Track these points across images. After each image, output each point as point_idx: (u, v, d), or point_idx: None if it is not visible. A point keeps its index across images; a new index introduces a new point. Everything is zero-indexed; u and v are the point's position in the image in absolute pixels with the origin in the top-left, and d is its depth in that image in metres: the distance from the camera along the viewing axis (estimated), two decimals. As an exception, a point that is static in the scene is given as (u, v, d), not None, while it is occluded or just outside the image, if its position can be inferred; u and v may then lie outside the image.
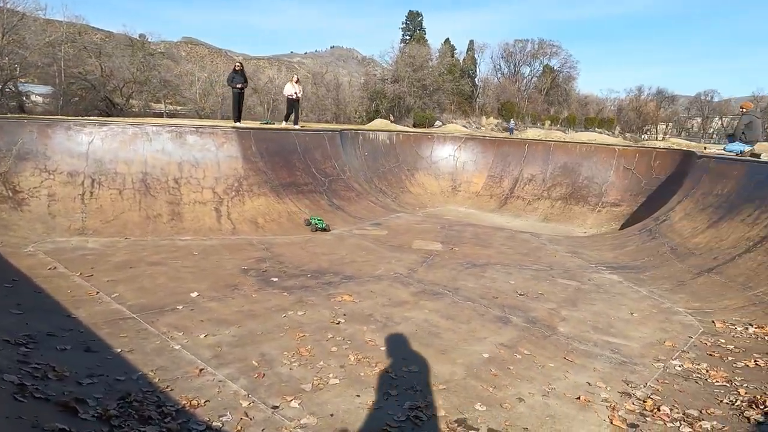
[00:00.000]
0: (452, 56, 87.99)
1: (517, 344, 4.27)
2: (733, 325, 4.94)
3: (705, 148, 11.56)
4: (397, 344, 4.10)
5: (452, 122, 60.74)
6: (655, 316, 5.22)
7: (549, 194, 15.28)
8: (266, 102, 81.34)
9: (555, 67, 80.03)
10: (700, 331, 4.82)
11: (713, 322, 5.05)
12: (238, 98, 12.26)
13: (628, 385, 3.66)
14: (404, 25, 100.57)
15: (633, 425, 3.13)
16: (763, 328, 4.79)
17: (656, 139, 78.40)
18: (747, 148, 9.78)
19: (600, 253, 8.00)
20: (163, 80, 56.67)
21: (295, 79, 12.47)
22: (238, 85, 12.05)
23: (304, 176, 10.11)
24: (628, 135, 72.11)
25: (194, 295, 4.93)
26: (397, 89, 72.99)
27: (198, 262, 6.07)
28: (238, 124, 12.10)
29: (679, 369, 3.96)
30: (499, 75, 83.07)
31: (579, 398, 3.42)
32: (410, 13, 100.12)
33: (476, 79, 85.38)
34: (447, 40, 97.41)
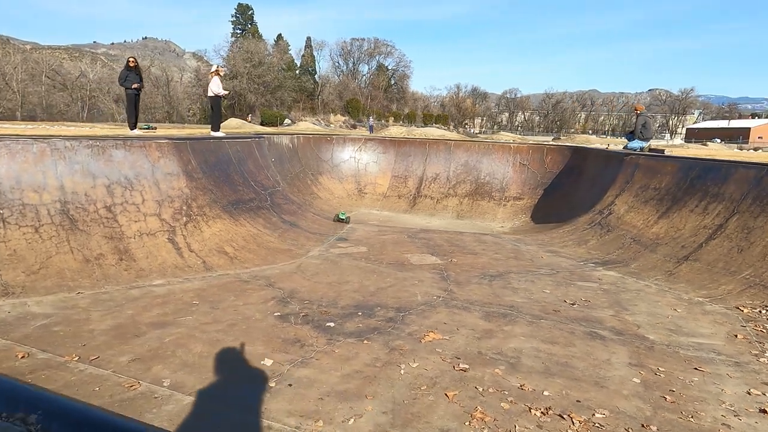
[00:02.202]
0: (286, 52, 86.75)
1: (642, 361, 4.19)
2: (755, 308, 5.57)
3: (608, 145, 13.01)
4: (551, 385, 3.70)
5: (302, 120, 59.88)
6: (692, 308, 5.63)
7: (455, 192, 15.85)
8: (79, 99, 70.40)
9: (390, 66, 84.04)
10: (741, 318, 5.32)
11: (738, 308, 5.63)
12: (134, 101, 10.18)
13: (773, 387, 3.82)
14: (234, 19, 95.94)
15: (835, 430, 3.25)
16: (781, 308, 5.48)
17: (477, 134, 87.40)
18: (645, 145, 11.29)
19: (572, 250, 8.46)
20: (-63, 72, 45.49)
21: (222, 72, 10.66)
22: (134, 86, 10.00)
23: (246, 191, 8.81)
24: (461, 130, 79.33)
25: (268, 363, 3.85)
26: (236, 86, 69.30)
27: (214, 315, 4.80)
28: (135, 132, 10.10)
29: (782, 361, 4.28)
30: (339, 73, 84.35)
31: (765, 411, 3.46)
32: (240, 6, 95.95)
33: (316, 77, 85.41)
34: (280, 36, 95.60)
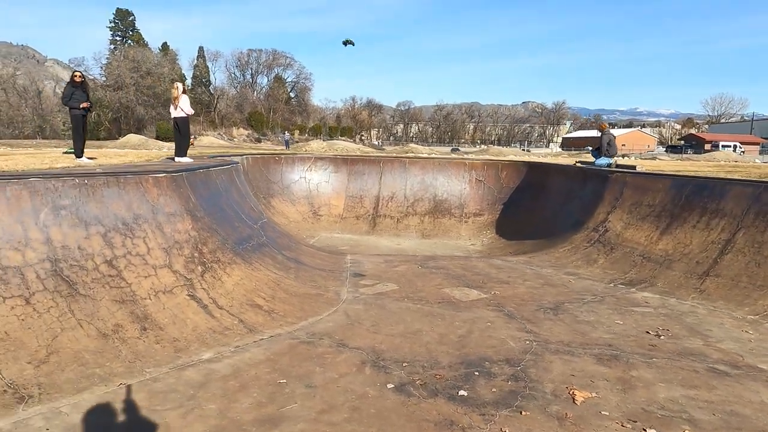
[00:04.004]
0: (176, 62, 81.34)
1: (792, 398, 4.10)
2: (808, 323, 5.85)
3: (576, 162, 13.51)
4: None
5: (204, 134, 56.11)
6: (758, 329, 5.75)
7: (415, 210, 15.59)
8: None
9: (290, 79, 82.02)
10: (808, 336, 5.53)
11: (793, 324, 5.87)
12: (82, 123, 8.49)
13: None
14: (113, 24, 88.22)
15: None
16: (832, 322, 5.80)
17: (381, 146, 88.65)
18: (612, 161, 11.87)
19: (587, 270, 8.48)
20: None
21: (182, 88, 9.12)
22: (82, 105, 8.33)
23: (242, 226, 7.69)
24: (366, 142, 79.68)
25: (453, 461, 3.12)
26: (122, 97, 63.42)
27: (322, 398, 3.89)
28: (84, 160, 8.47)
29: None
30: (237, 84, 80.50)
31: None
32: (119, 11, 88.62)
33: (211, 88, 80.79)
34: (166, 45, 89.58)
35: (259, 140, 57.49)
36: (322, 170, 16.17)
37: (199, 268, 5.88)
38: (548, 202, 13.02)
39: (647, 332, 5.59)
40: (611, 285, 7.62)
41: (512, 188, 15.12)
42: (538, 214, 13.05)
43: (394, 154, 30.65)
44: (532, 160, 16.25)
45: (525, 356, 4.83)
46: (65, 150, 12.87)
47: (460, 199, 15.55)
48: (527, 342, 5.21)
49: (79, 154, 8.40)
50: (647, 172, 10.13)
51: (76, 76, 8.35)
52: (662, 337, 5.44)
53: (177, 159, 9.28)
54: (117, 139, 52.07)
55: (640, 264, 8.25)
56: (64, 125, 68.81)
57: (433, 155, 31.88)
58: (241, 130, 67.14)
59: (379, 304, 6.37)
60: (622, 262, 8.51)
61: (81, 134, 8.40)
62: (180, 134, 9.16)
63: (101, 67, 69.69)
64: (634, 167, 11.01)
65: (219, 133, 60.25)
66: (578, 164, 12.67)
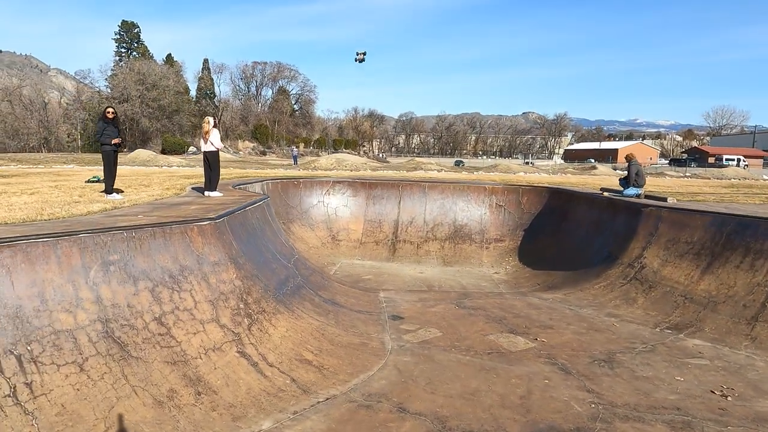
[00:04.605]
0: (180, 74, 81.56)
1: None
2: None
3: (601, 190, 13.35)
4: None
5: (209, 148, 56.22)
6: (823, 387, 5.57)
7: (435, 235, 15.43)
8: None
9: (294, 91, 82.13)
10: None
11: None
12: (113, 159, 8.34)
13: None
14: (118, 36, 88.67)
15: None
16: None
17: (386, 159, 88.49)
18: (641, 191, 11.73)
19: (627, 311, 8.29)
20: None
21: (213, 123, 9.03)
22: (114, 141, 8.19)
23: (279, 268, 7.51)
24: (370, 155, 79.50)
25: None
26: (127, 110, 63.41)
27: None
28: (115, 197, 8.33)
29: None
30: (241, 96, 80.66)
31: None
32: (124, 23, 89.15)
33: (215, 100, 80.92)
34: (170, 56, 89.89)
35: (264, 153, 57.48)
36: (341, 194, 16.04)
37: (246, 320, 5.70)
38: (574, 230, 12.84)
39: (712, 392, 5.39)
40: (657, 330, 7.42)
41: (534, 214, 14.97)
42: (562, 243, 12.88)
43: (404, 170, 30.57)
44: (553, 186, 16.09)
45: (595, 424, 4.63)
46: (88, 179, 12.67)
47: (480, 224, 15.39)
48: (592, 405, 5.01)
49: (109, 190, 8.24)
50: (682, 207, 9.93)
51: (108, 112, 8.21)
52: (729, 399, 5.25)
53: (207, 193, 9.14)
54: (123, 151, 52.06)
55: (683, 305, 8.06)
56: (68, 137, 68.88)
57: (443, 171, 31.80)
58: (247, 142, 67.14)
59: (427, 356, 6.17)
60: (663, 302, 8.32)
61: (112, 170, 8.23)
62: (210, 168, 9.03)
63: (107, 79, 69.89)
64: (664, 199, 10.84)
65: (225, 146, 60.30)
66: (605, 193, 12.51)
